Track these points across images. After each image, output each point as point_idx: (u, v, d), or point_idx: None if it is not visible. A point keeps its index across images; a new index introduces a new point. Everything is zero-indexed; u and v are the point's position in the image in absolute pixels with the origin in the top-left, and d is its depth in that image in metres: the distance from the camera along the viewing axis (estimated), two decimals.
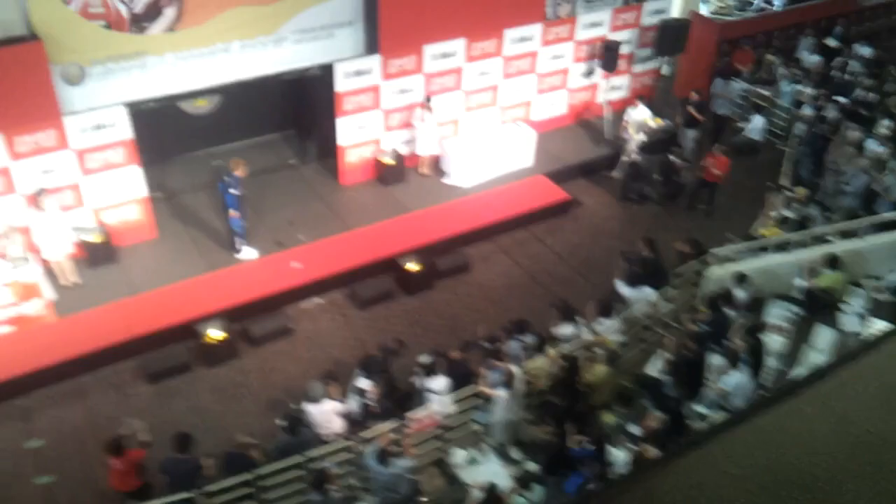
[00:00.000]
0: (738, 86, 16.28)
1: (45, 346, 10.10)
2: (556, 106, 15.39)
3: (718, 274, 11.05)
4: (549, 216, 13.50)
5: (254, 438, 8.48)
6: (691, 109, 14.60)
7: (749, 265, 11.14)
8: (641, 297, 10.89)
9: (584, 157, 14.78)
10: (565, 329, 10.30)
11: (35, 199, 10.52)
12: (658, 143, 14.57)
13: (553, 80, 15.09)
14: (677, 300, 11.25)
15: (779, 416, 3.06)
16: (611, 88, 15.58)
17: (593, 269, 12.40)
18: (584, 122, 15.80)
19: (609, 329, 10.34)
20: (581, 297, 11.03)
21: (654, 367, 10.16)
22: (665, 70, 17.05)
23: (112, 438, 8.15)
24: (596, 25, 15.01)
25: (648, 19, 15.51)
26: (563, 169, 14.28)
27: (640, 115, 14.31)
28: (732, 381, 8.88)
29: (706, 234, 12.32)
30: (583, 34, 14.92)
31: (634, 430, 9.08)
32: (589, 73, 15.38)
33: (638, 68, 16.07)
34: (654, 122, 14.58)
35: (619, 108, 15.90)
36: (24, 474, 8.88)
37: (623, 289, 11.05)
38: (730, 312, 10.29)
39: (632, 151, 14.17)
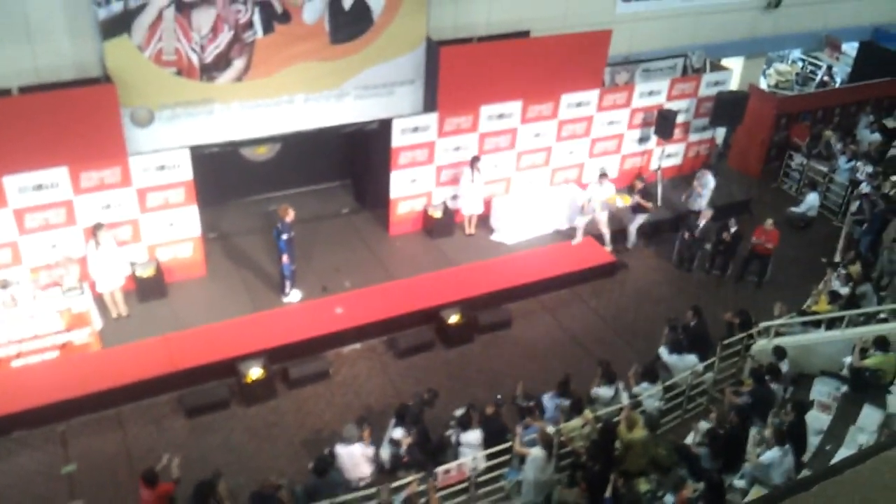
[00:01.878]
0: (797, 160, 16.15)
1: (87, 374, 10.38)
2: (608, 170, 15.41)
3: (765, 347, 10.82)
4: (594, 277, 13.45)
5: (283, 479, 8.53)
6: (638, 197, 14.04)
7: (797, 340, 10.89)
8: (685, 365, 10.72)
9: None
10: (605, 391, 10.18)
11: (93, 233, 10.93)
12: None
13: (607, 145, 15.19)
14: (722, 371, 11.03)
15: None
16: (665, 156, 15.59)
17: (636, 333, 12.25)
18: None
19: (650, 395, 10.20)
20: (622, 362, 10.92)
21: (694, 437, 9.94)
22: (720, 140, 16.97)
23: (147, 469, 8.29)
24: (653, 94, 15.13)
25: (706, 90, 15.57)
26: (611, 231, 14.24)
27: (605, 192, 13.76)
28: (773, 456, 8.60)
29: (755, 307, 12.10)
30: (639, 102, 15.04)
31: (669, 499, 8.85)
32: (643, 139, 15.45)
33: (693, 137, 16.08)
34: (621, 201, 13.96)
35: (672, 176, 15.94)
36: (57, 499, 9.04)
37: (666, 356, 10.91)
38: (775, 387, 10.05)
39: (603, 224, 13.87)
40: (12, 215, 10.63)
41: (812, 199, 15.45)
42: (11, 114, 10.12)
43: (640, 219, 14.29)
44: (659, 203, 15.15)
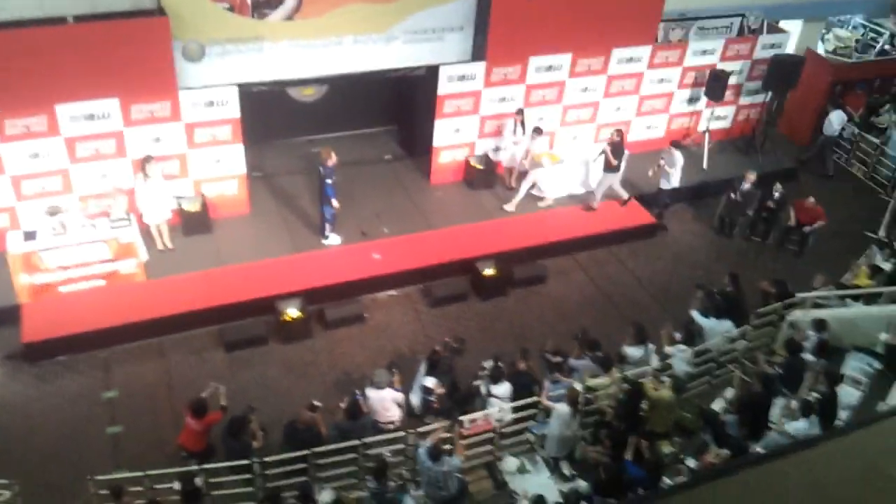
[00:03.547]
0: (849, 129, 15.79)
1: (132, 304, 10.72)
2: (655, 129, 15.26)
3: (800, 318, 10.77)
4: (632, 238, 13.42)
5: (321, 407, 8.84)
6: (607, 151, 13.07)
7: (834, 313, 10.81)
8: (719, 330, 10.71)
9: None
10: (635, 351, 10.24)
11: (142, 165, 11.15)
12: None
13: (655, 103, 14.98)
14: (755, 340, 11.02)
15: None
16: (714, 118, 15.33)
17: (671, 297, 12.25)
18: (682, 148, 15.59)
19: (680, 357, 10.25)
20: (654, 324, 10.92)
21: (720, 404, 10.02)
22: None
23: (197, 399, 8.60)
24: (707, 53, 14.82)
25: (762, 52, 15.19)
26: (653, 193, 14.14)
27: (537, 147, 13.36)
28: (800, 427, 8.66)
29: (794, 277, 11.99)
30: (692, 60, 14.75)
31: (692, 463, 8.98)
32: (693, 100, 15.18)
33: (744, 100, 15.77)
34: (548, 160, 13.34)
35: (720, 139, 15.69)
36: (98, 421, 9.46)
37: (702, 319, 10.89)
38: (807, 358, 10.04)
39: (526, 180, 13.34)
40: (64, 144, 10.88)
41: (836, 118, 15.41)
42: (66, 42, 10.28)
43: (611, 178, 13.34)
44: (705, 166, 14.95)
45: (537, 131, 13.21)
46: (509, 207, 13.33)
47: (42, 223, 10.67)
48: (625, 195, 13.64)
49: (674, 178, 13.55)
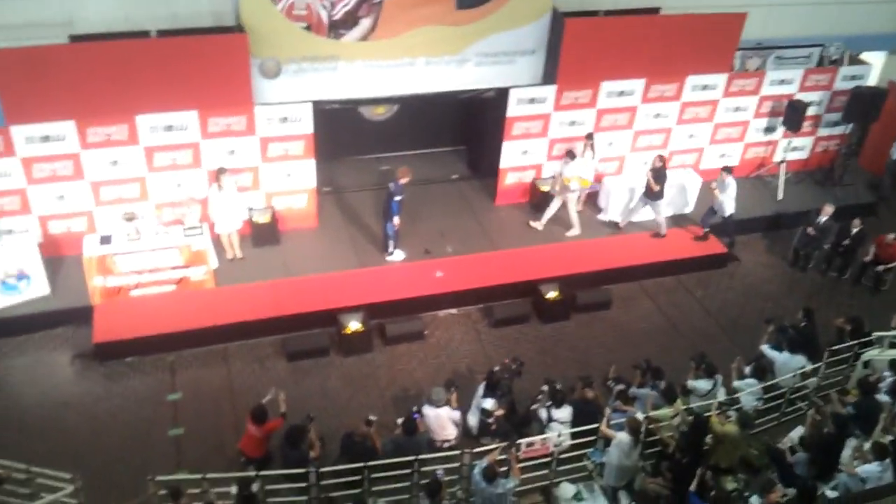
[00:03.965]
0: None
1: (200, 310, 10.96)
2: (729, 158, 14.92)
3: (876, 357, 10.34)
4: (702, 267, 13.12)
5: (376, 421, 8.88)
6: (649, 176, 12.83)
7: None
8: (792, 365, 10.34)
9: (750, 213, 14.22)
10: (703, 384, 9.97)
11: (216, 177, 11.44)
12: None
13: (730, 132, 14.69)
14: (828, 378, 10.60)
15: None
16: (791, 149, 14.94)
17: (740, 329, 11.90)
18: (757, 178, 15.25)
19: (750, 392, 9.93)
20: (722, 357, 10.66)
21: (789, 441, 9.65)
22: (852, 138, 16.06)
23: (258, 406, 8.73)
24: (785, 83, 14.50)
25: (842, 84, 14.78)
26: (726, 222, 13.82)
27: (570, 171, 12.87)
28: (872, 470, 8.27)
29: (869, 315, 11.55)
30: (769, 90, 14.44)
31: (756, 501, 8.65)
32: (770, 129, 14.84)
33: (823, 132, 15.34)
34: (576, 183, 12.85)
35: (797, 170, 15.29)
36: (161, 423, 9.59)
37: (772, 353, 10.55)
38: (882, 399, 9.62)
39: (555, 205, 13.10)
40: (142, 152, 11.25)
41: None
42: (148, 55, 10.63)
43: (659, 206, 13.11)
44: (780, 197, 14.56)
45: (570, 155, 12.97)
46: (537, 225, 13.22)
47: (118, 228, 11.04)
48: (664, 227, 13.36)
49: (727, 206, 13.12)
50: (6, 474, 7.91)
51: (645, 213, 13.57)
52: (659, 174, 12.79)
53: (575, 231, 13.19)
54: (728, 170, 13.04)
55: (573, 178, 12.86)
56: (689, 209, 13.96)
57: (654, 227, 13.41)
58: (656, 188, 12.84)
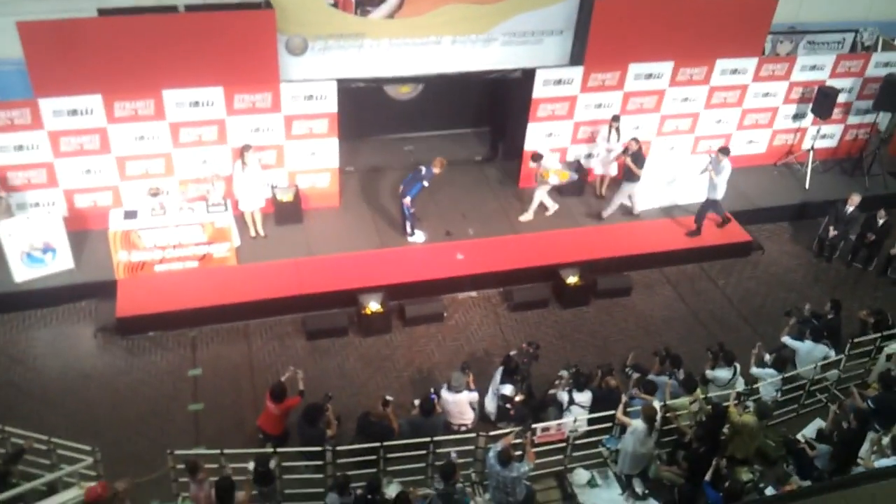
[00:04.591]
0: None
1: (222, 287, 11.05)
2: (756, 144, 14.74)
3: None
4: (725, 256, 12.99)
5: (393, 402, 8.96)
6: (627, 160, 12.59)
7: None
8: (816, 354, 10.24)
9: (776, 201, 14.08)
10: (723, 373, 9.92)
11: (241, 154, 11.48)
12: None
13: (758, 117, 14.47)
14: (849, 370, 10.51)
15: None
16: (820, 136, 14.70)
17: (763, 319, 11.81)
18: (784, 166, 15.05)
19: (770, 382, 9.87)
20: (743, 346, 10.58)
21: (807, 434, 9.60)
22: (883, 126, 15.76)
23: (277, 384, 8.83)
24: (816, 68, 14.23)
25: (875, 70, 14.48)
26: (751, 210, 13.67)
27: (548, 163, 12.76)
28: (889, 465, 8.21)
29: (894, 307, 11.40)
30: (799, 75, 14.18)
31: (770, 492, 8.64)
32: (798, 116, 14.60)
33: (853, 120, 15.07)
34: (555, 177, 12.66)
35: (825, 158, 15.06)
36: (181, 398, 9.80)
37: (794, 343, 10.45)
38: None
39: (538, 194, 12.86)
40: (168, 128, 11.31)
41: None
42: (175, 30, 10.66)
43: (629, 188, 12.93)
44: (807, 186, 14.37)
45: (536, 158, 12.79)
46: (524, 218, 13.01)
47: (143, 203, 11.15)
48: (637, 207, 13.19)
49: (720, 189, 12.65)
50: (28, 445, 8.11)
51: (667, 199, 13.46)
52: (637, 157, 12.58)
53: (527, 216, 13.01)
54: (725, 151, 12.62)
55: (552, 172, 12.71)
56: (719, 195, 13.74)
57: (675, 213, 13.30)
58: (638, 172, 12.61)
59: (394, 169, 13.70)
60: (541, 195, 12.91)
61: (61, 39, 10.18)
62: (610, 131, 13.03)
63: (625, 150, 12.70)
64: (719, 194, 12.71)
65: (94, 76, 10.56)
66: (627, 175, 12.78)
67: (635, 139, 12.70)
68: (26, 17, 10.04)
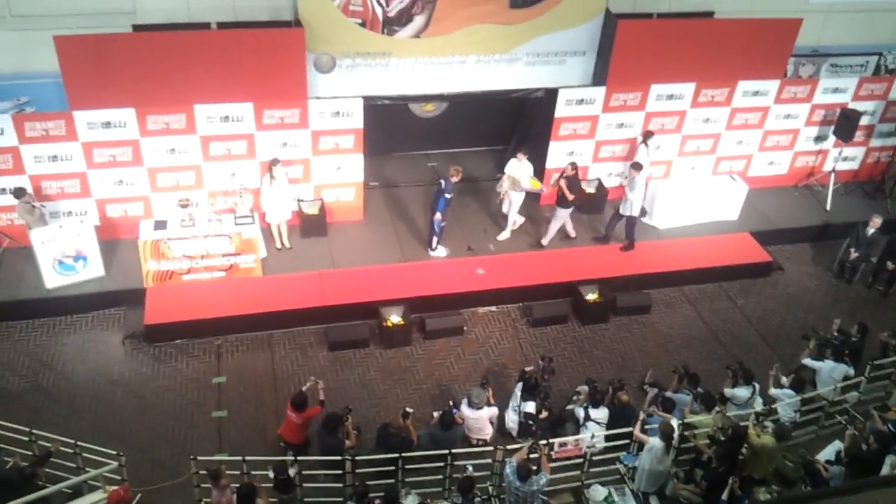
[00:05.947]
0: None
1: (248, 297, 11.27)
2: (778, 165, 14.79)
3: None
4: (745, 276, 13.04)
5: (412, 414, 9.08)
6: (562, 184, 12.28)
7: None
8: (836, 374, 10.24)
9: (797, 223, 14.11)
10: (742, 392, 9.95)
11: (269, 168, 11.71)
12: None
13: (780, 139, 14.53)
14: (868, 393, 10.50)
15: None
16: (841, 158, 14.72)
17: (781, 339, 11.83)
18: (805, 188, 15.08)
19: (788, 403, 9.89)
20: (761, 366, 10.62)
21: (826, 456, 9.60)
22: None
23: (299, 393, 9.00)
24: (838, 91, 14.27)
25: None
26: (771, 230, 13.70)
27: (521, 171, 12.56)
28: None
29: None
30: (821, 98, 14.23)
31: None
32: (820, 138, 14.64)
33: (875, 143, 15.08)
34: (528, 183, 12.49)
35: (847, 181, 15.07)
36: (205, 405, 9.98)
37: (813, 363, 10.46)
38: None
39: (513, 206, 12.75)
40: (199, 142, 11.56)
41: None
42: (208, 46, 10.93)
43: (564, 214, 12.63)
44: (828, 208, 14.38)
45: (522, 153, 12.75)
46: (501, 237, 12.99)
47: (172, 214, 11.41)
48: (573, 233, 13.05)
49: (635, 206, 12.39)
50: (54, 448, 8.28)
51: (690, 218, 13.53)
52: (572, 182, 12.44)
53: (505, 235, 13.04)
54: (637, 167, 12.39)
55: (524, 177, 12.58)
56: (734, 217, 13.84)
57: (695, 232, 13.39)
58: (570, 197, 12.36)
59: (417, 185, 13.91)
60: (563, 217, 12.77)
61: (97, 54, 10.48)
62: (640, 148, 13.12)
63: (561, 175, 12.56)
64: (635, 210, 12.53)
65: (128, 90, 10.84)
66: (560, 200, 12.52)
67: (573, 164, 12.60)
68: (63, 32, 10.36)
